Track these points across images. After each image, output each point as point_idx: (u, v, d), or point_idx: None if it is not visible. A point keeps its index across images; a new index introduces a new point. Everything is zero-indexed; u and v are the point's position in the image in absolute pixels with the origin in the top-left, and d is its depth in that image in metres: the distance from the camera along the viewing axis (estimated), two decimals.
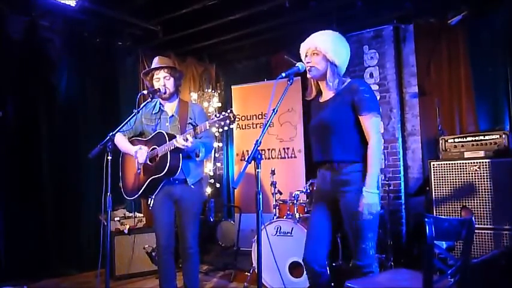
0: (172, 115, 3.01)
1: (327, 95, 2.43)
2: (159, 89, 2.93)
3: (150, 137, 2.97)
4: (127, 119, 2.84)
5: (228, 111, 2.49)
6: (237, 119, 5.46)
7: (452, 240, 2.90)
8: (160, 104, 3.04)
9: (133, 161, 3.02)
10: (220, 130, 2.52)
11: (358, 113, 2.28)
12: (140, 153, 2.91)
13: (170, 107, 3.04)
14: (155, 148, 2.88)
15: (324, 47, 2.31)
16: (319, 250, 2.41)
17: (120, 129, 2.81)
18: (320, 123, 2.36)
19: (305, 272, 3.45)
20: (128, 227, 4.36)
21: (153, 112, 3.04)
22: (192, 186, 2.94)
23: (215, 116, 2.53)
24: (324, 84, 2.41)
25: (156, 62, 3.01)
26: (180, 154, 2.79)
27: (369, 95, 2.29)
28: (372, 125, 2.26)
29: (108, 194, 2.67)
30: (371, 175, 2.22)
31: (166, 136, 2.81)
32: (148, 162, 2.91)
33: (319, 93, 2.50)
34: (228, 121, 2.48)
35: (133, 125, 3.02)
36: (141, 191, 2.93)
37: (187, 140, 2.63)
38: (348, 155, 2.28)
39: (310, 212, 2.57)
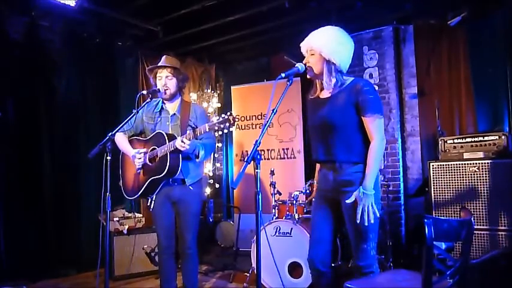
0: (174, 114, 3.01)
1: (328, 92, 2.41)
2: (158, 89, 2.94)
3: (150, 137, 2.97)
4: (126, 119, 2.84)
5: (228, 113, 2.49)
6: (236, 121, 5.51)
7: (451, 241, 2.90)
8: (162, 103, 3.05)
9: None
10: (220, 133, 2.52)
11: (362, 114, 2.26)
12: (138, 159, 2.91)
13: (172, 107, 3.04)
14: (155, 148, 2.88)
15: (318, 46, 2.28)
16: (322, 250, 2.41)
17: (119, 129, 2.82)
18: (322, 121, 2.33)
19: (304, 273, 3.47)
20: (127, 227, 4.36)
21: (155, 111, 3.04)
22: (191, 188, 2.93)
23: (216, 118, 2.53)
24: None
25: (162, 60, 3.01)
26: (180, 155, 2.80)
27: (373, 96, 2.27)
28: (375, 126, 2.25)
29: (108, 194, 2.66)
30: (369, 176, 2.21)
31: (165, 136, 2.81)
32: (148, 162, 2.91)
33: (321, 90, 2.48)
34: (227, 124, 2.48)
35: (133, 124, 3.02)
36: (141, 191, 2.93)
37: (184, 143, 2.64)
38: (351, 156, 2.27)
39: (312, 211, 2.57)
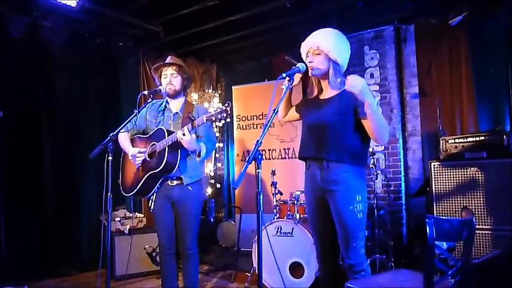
0: (177, 112, 3.02)
1: (329, 93, 2.43)
2: (160, 89, 2.95)
3: (151, 133, 2.98)
4: (128, 119, 2.84)
5: (226, 104, 2.54)
6: (237, 117, 5.54)
7: (453, 240, 2.91)
8: (166, 102, 3.07)
9: None
10: (217, 124, 2.58)
11: (362, 113, 2.24)
12: (137, 159, 2.91)
13: (175, 106, 3.05)
14: (155, 144, 2.88)
15: (326, 46, 2.31)
16: (331, 251, 2.47)
17: (120, 129, 2.81)
18: (320, 121, 2.35)
19: (305, 273, 3.47)
20: (128, 227, 4.36)
21: (159, 109, 3.07)
22: (190, 188, 2.93)
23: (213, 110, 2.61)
24: (326, 83, 2.42)
25: (167, 59, 3.05)
26: (179, 150, 2.80)
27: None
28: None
29: (109, 194, 2.67)
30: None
31: (165, 132, 2.81)
32: (147, 158, 2.92)
33: (320, 91, 2.50)
34: (224, 114, 2.53)
35: (136, 123, 3.02)
36: (138, 186, 2.92)
37: (184, 134, 2.65)
38: (340, 156, 2.28)
39: (307, 215, 2.58)
